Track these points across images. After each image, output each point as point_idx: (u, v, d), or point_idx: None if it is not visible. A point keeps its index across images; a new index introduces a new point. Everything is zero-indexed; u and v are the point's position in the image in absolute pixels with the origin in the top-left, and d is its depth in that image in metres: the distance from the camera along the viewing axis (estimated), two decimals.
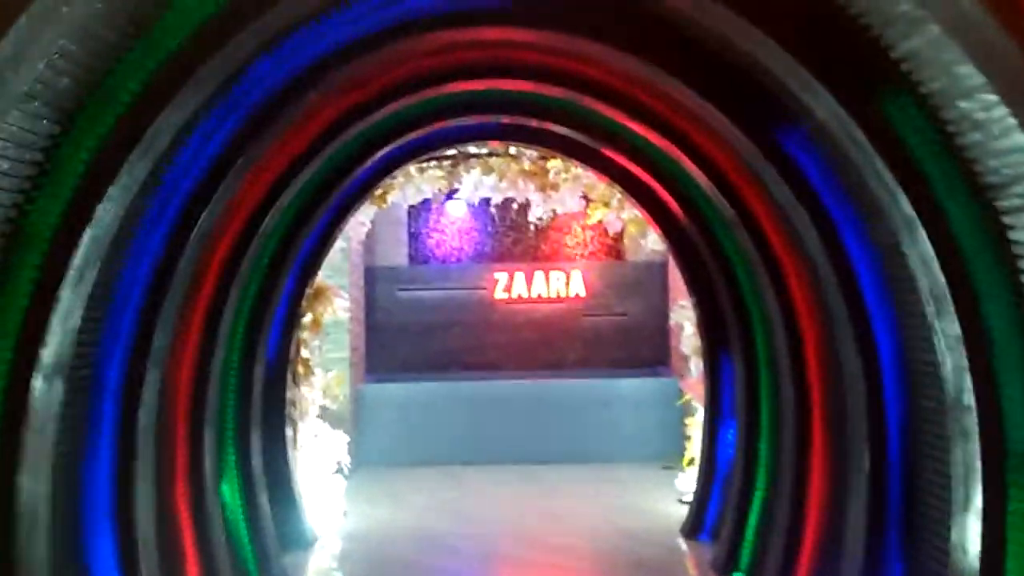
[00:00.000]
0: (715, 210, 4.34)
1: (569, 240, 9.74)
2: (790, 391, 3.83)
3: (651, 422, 8.09)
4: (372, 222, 9.00)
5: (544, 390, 8.27)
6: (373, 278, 9.31)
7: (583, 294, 9.36)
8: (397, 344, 9.27)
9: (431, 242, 9.77)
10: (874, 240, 2.92)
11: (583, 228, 9.72)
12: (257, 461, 4.67)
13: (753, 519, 4.43)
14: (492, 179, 5.93)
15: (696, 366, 5.89)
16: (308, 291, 5.49)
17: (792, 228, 3.49)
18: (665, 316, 9.26)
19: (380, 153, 4.72)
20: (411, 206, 9.68)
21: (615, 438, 8.06)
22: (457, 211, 9.73)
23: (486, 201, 9.83)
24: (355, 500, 6.35)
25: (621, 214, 6.02)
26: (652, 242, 6.03)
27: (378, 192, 5.85)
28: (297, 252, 4.93)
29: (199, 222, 3.10)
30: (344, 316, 7.39)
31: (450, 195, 9.02)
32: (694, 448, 5.97)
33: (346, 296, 6.09)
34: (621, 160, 4.82)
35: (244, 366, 4.59)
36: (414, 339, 9.31)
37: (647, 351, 9.30)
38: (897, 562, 2.82)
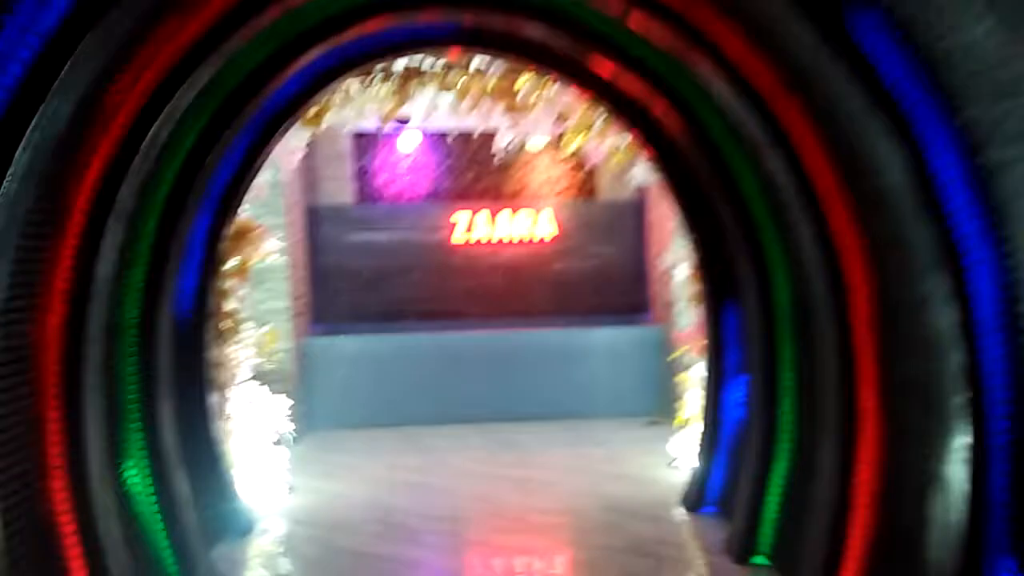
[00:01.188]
0: (731, 130, 3.54)
1: (536, 177, 8.88)
2: (832, 350, 3.12)
3: (631, 374, 7.45)
4: (309, 153, 8.02)
5: (512, 342, 7.52)
6: (317, 218, 8.35)
7: (553, 236, 8.57)
8: (346, 292, 8.38)
9: (380, 179, 8.81)
10: (980, 155, 2.17)
11: (552, 163, 8.87)
12: (169, 437, 3.82)
13: (775, 494, 3.79)
14: (450, 99, 5.01)
15: (692, 315, 5.18)
16: (227, 231, 4.57)
17: (847, 148, 2.72)
18: (642, 260, 8.55)
19: (308, 57, 3.78)
20: (357, 137, 8.68)
21: (593, 393, 7.40)
22: (409, 145, 8.76)
23: (442, 135, 8.90)
24: (303, 472, 5.57)
25: (603, 143, 5.18)
26: (641, 174, 5.23)
27: (311, 112, 4.89)
28: (207, 181, 4.00)
29: (37, 128, 2.18)
30: (280, 261, 6.48)
31: (400, 124, 8.05)
32: (688, 407, 5.32)
33: (278, 237, 5.18)
34: (611, 69, 3.96)
35: (145, 323, 3.70)
36: (365, 287, 8.44)
37: (624, 298, 8.60)
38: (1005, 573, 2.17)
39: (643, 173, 5.17)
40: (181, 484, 3.85)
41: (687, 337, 5.21)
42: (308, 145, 8.48)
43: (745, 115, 3.09)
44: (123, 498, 3.47)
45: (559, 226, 8.59)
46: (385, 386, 7.29)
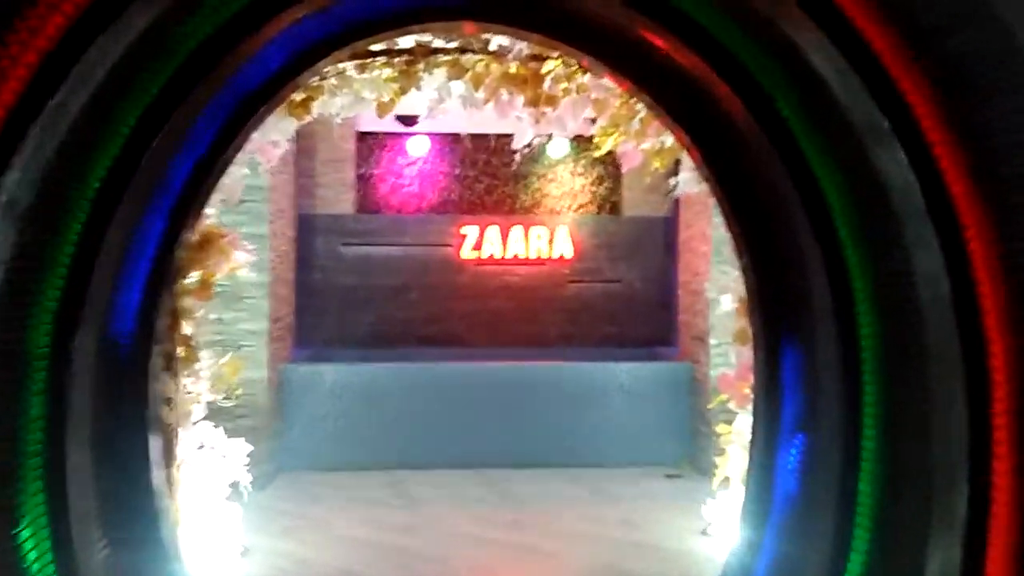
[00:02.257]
0: (818, 118, 2.81)
1: (554, 189, 8.18)
2: (958, 415, 2.37)
3: (652, 418, 6.67)
4: (307, 156, 7.34)
5: (519, 375, 6.76)
6: (310, 228, 7.66)
7: (569, 255, 7.85)
8: (337, 313, 7.66)
9: (384, 187, 8.12)
10: None
11: (573, 174, 8.17)
12: (82, 494, 3.07)
13: None
14: (464, 87, 4.30)
15: (735, 355, 4.42)
16: (186, 237, 3.84)
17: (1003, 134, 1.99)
18: (669, 285, 7.81)
19: (284, 20, 3.08)
20: (360, 140, 8.01)
21: (608, 437, 6.62)
22: (418, 149, 8.09)
23: (454, 137, 8.21)
24: (266, 529, 4.82)
25: (640, 144, 4.45)
26: (685, 183, 4.48)
27: (297, 97, 4.19)
28: (159, 173, 3.29)
29: None
30: (260, 276, 5.78)
31: (407, 122, 7.37)
32: (729, 465, 4.53)
33: (252, 248, 4.45)
34: (663, 44, 3.24)
35: (60, 350, 2.96)
36: (359, 307, 7.72)
37: (646, 327, 7.85)
38: None
39: (687, 181, 4.43)
40: (92, 554, 3.09)
41: (730, 382, 4.44)
42: (306, 146, 7.83)
43: (853, 92, 2.35)
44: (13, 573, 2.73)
45: (577, 244, 7.88)
46: (373, 422, 6.54)
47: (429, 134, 8.11)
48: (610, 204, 8.22)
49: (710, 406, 5.57)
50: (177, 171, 3.57)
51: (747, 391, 4.26)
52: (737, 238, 3.96)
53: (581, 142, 8.10)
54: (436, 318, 7.79)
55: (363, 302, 7.74)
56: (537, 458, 6.52)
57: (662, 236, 7.94)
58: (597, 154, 4.72)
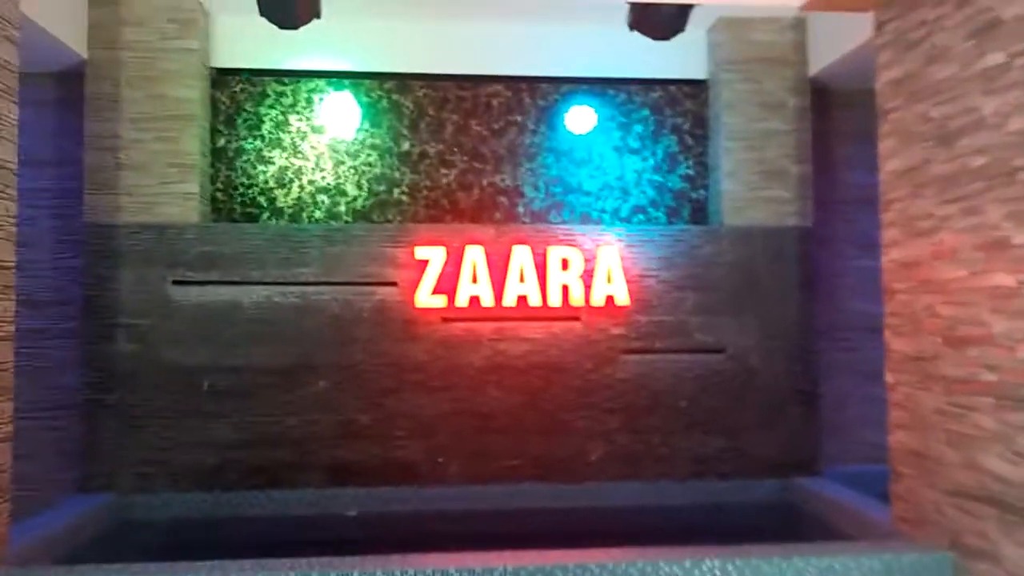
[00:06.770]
0: None
1: (586, 176, 4.54)
2: None
3: None
4: (107, 108, 3.35)
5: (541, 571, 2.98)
6: (103, 250, 3.94)
7: (624, 301, 4.21)
8: (157, 427, 3.89)
9: (265, 174, 4.39)
10: None
11: (618, 150, 4.57)
12: None
13: None
14: None
15: None
16: None
17: None
18: (815, 356, 4.23)
19: None
20: (220, 81, 4.29)
21: None
22: (331, 105, 4.43)
23: (399, 80, 4.56)
24: None
25: None
26: None
27: None
28: None
29: None
30: None
31: (282, 17, 3.75)
32: None
33: None
34: None
35: None
36: (206, 411, 3.95)
37: (779, 443, 4.21)
38: None
39: None
40: None
41: None
42: (99, 89, 4.05)
43: None
44: None
45: (635, 281, 4.25)
46: None
47: (350, 74, 4.45)
48: (693, 204, 4.60)
49: None
50: None
51: None
52: None
53: (627, 91, 4.52)
54: (367, 434, 4.04)
55: (215, 402, 3.96)
56: None
57: (796, 261, 4.34)
58: None
